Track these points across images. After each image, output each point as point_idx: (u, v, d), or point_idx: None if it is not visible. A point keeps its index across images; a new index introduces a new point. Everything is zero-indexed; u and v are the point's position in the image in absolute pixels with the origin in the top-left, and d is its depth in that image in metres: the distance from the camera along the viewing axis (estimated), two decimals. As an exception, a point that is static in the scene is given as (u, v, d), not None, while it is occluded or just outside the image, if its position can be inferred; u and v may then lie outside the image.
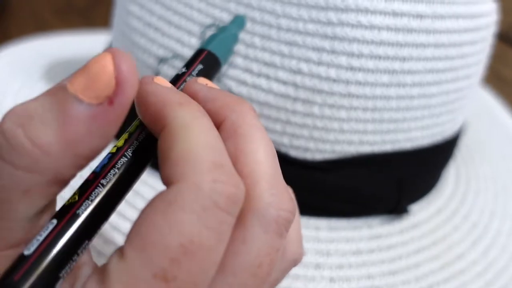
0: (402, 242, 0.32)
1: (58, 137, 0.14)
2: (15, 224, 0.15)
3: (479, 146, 0.42)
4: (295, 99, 0.28)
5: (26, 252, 0.14)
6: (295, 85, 0.28)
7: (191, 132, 0.16)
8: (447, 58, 0.29)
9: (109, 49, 0.15)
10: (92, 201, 0.16)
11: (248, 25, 0.28)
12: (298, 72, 0.27)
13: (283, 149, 0.29)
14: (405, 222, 0.33)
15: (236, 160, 0.17)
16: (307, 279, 0.28)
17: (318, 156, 0.29)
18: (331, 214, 0.31)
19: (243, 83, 0.28)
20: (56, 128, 0.14)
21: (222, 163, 0.15)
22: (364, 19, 0.27)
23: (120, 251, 0.15)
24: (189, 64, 0.21)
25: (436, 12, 0.28)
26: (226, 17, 0.28)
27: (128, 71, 0.14)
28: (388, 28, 0.27)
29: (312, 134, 0.29)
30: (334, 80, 0.27)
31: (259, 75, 0.28)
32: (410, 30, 0.27)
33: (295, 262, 0.20)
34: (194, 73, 0.21)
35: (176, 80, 0.20)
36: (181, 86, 0.20)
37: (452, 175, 0.38)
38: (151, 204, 0.15)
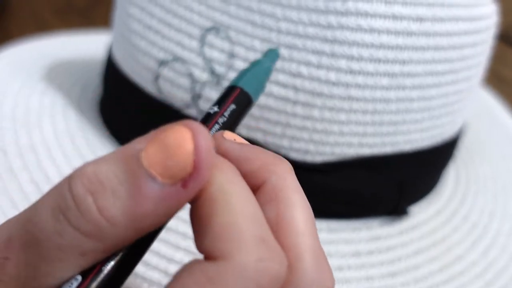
0: (402, 243, 0.32)
1: (126, 212, 0.14)
2: (54, 281, 0.15)
3: (479, 146, 0.42)
4: (295, 102, 0.28)
5: None
6: (295, 88, 0.28)
7: (232, 201, 0.15)
8: (447, 61, 0.29)
9: (187, 123, 0.14)
10: (115, 255, 0.15)
11: (249, 28, 0.28)
12: (298, 75, 0.27)
13: (283, 152, 0.29)
14: (404, 223, 0.33)
15: (277, 227, 0.16)
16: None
17: (318, 159, 0.30)
18: (331, 215, 0.31)
19: (243, 86, 0.28)
20: (126, 203, 0.14)
21: (265, 238, 0.15)
22: (364, 22, 0.27)
23: None
24: (220, 102, 0.20)
25: (436, 15, 0.28)
26: (226, 20, 0.28)
27: (207, 152, 0.14)
28: (388, 31, 0.27)
29: (312, 136, 0.29)
30: (334, 83, 0.27)
31: None
32: (410, 33, 0.27)
33: None
34: (226, 113, 0.20)
35: (207, 120, 0.19)
36: (213, 129, 0.19)
37: (452, 176, 0.38)
38: (190, 273, 0.14)
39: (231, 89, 0.21)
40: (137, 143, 0.15)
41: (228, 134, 0.18)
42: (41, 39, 0.48)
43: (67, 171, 0.31)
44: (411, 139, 0.31)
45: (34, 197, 0.29)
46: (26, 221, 0.15)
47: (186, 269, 0.14)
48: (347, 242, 0.31)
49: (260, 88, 0.23)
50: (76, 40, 0.50)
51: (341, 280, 0.29)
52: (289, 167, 0.17)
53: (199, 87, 0.29)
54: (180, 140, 0.14)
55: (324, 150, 0.29)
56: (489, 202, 0.36)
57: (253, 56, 0.28)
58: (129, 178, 0.14)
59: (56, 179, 0.30)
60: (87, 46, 0.48)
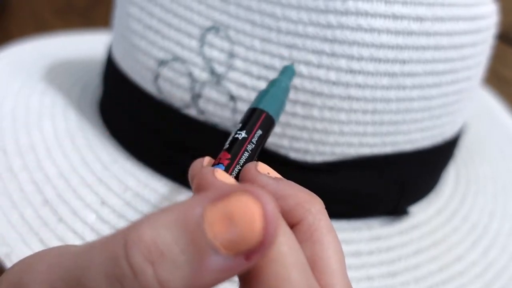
0: (402, 243, 0.32)
1: (186, 285, 0.13)
2: None
3: (479, 146, 0.42)
4: (295, 102, 0.28)
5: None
6: (295, 88, 0.28)
7: (281, 249, 0.15)
8: (447, 60, 0.29)
9: (254, 192, 0.13)
10: None
11: (248, 28, 0.28)
12: (298, 74, 0.27)
13: (283, 151, 0.29)
14: (404, 223, 0.33)
15: (313, 266, 0.16)
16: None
17: (318, 158, 0.29)
18: (331, 215, 0.31)
19: (243, 85, 0.28)
20: (187, 275, 0.13)
21: (312, 285, 0.15)
22: (364, 22, 0.27)
23: None
24: (247, 126, 0.20)
25: (436, 15, 0.28)
26: (226, 20, 0.28)
27: (275, 226, 0.13)
28: (388, 31, 0.27)
29: (312, 136, 0.29)
30: (334, 83, 0.27)
31: (259, 77, 0.28)
32: (410, 33, 0.27)
33: None
34: (254, 140, 0.20)
35: (234, 145, 0.19)
36: (243, 157, 0.19)
37: (452, 175, 0.38)
38: None
39: (255, 111, 0.21)
40: (197, 205, 0.14)
41: (261, 167, 0.18)
42: (41, 39, 0.48)
43: (67, 170, 0.31)
44: (411, 139, 0.31)
45: (33, 197, 0.29)
46: (74, 279, 0.14)
47: None
48: (347, 242, 0.31)
49: (281, 108, 0.23)
50: (76, 40, 0.50)
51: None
52: (322, 206, 0.18)
53: (198, 86, 0.29)
54: (249, 215, 0.13)
55: (324, 150, 0.29)
56: (489, 202, 0.36)
57: (253, 55, 0.28)
58: (192, 249, 0.13)
59: (55, 179, 0.30)
60: (87, 46, 0.48)
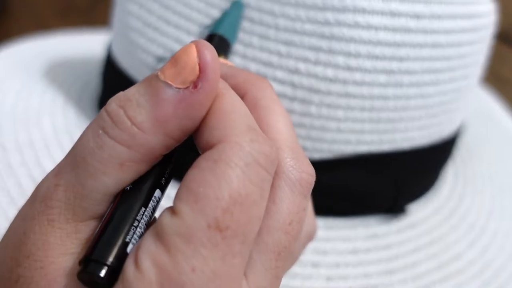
0: (399, 241, 0.32)
1: (150, 117, 0.16)
2: (101, 196, 0.17)
3: (477, 146, 0.42)
4: (293, 99, 0.28)
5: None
6: (293, 85, 0.28)
7: (225, 100, 0.17)
8: (444, 58, 0.29)
9: (194, 41, 0.17)
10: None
11: (247, 25, 0.28)
12: (296, 71, 0.27)
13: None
14: (402, 221, 0.33)
15: (259, 127, 0.18)
16: (304, 277, 0.28)
17: (316, 156, 0.30)
18: (328, 213, 0.31)
19: (241, 82, 0.28)
20: (149, 109, 0.16)
21: (255, 127, 0.17)
22: (361, 19, 0.27)
23: (171, 209, 0.16)
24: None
25: (433, 12, 0.28)
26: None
27: (210, 58, 0.16)
28: (386, 28, 0.27)
29: (309, 133, 0.29)
30: (332, 80, 0.27)
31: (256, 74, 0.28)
32: (407, 30, 0.27)
33: (310, 234, 0.22)
34: None
35: None
36: None
37: (450, 175, 0.38)
38: (196, 165, 0.16)
39: (210, 36, 0.24)
40: (157, 70, 0.17)
41: (221, 60, 0.21)
42: (41, 38, 0.48)
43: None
44: (409, 137, 0.31)
45: (31, 192, 0.29)
46: (72, 149, 0.17)
47: (193, 165, 0.16)
48: (345, 240, 0.31)
49: (235, 32, 0.26)
50: (76, 39, 0.51)
51: (338, 277, 0.29)
52: (269, 83, 0.20)
53: (197, 83, 0.29)
54: (187, 51, 0.16)
55: (321, 147, 0.29)
56: (486, 202, 0.36)
57: (251, 52, 0.28)
58: (149, 89, 0.17)
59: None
60: (87, 45, 0.48)
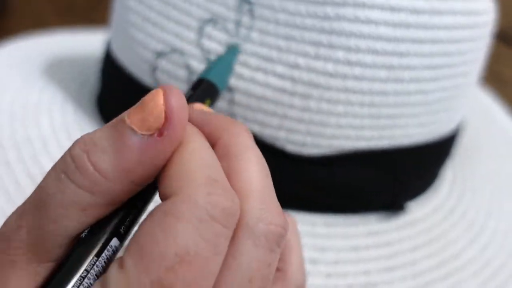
0: (399, 239, 0.31)
1: (114, 164, 0.16)
2: (62, 239, 0.16)
3: (477, 145, 0.42)
4: (292, 94, 0.28)
5: None
6: (293, 80, 0.28)
7: (186, 149, 0.17)
8: (444, 55, 0.29)
9: (162, 86, 0.16)
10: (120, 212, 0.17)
11: (247, 20, 0.28)
12: (296, 66, 0.27)
13: (280, 144, 0.29)
14: (401, 219, 0.33)
15: (228, 178, 0.17)
16: (303, 274, 0.28)
17: (315, 151, 0.29)
18: (327, 210, 0.31)
19: (241, 77, 0.28)
20: (112, 156, 0.16)
21: (217, 179, 0.16)
22: (361, 13, 0.27)
23: (120, 261, 0.15)
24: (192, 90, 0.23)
25: (434, 8, 0.28)
26: (224, 12, 0.28)
27: (176, 106, 0.16)
28: (386, 23, 0.27)
29: (309, 129, 0.29)
30: (331, 75, 0.27)
31: (256, 69, 0.28)
32: (407, 26, 0.27)
33: None
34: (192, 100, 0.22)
35: None
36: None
37: (450, 174, 0.38)
38: (150, 216, 0.16)
39: (199, 81, 0.24)
40: (124, 113, 0.16)
41: (196, 105, 0.21)
42: (41, 36, 0.48)
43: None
44: (408, 133, 0.31)
45: (29, 190, 0.29)
46: (36, 190, 0.17)
47: (148, 214, 0.16)
48: (344, 237, 0.30)
49: (226, 79, 0.26)
50: (76, 38, 0.51)
51: (338, 274, 0.29)
52: (244, 128, 0.19)
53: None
54: (154, 97, 0.16)
55: (321, 142, 0.29)
56: (486, 200, 0.36)
57: (251, 47, 0.28)
58: (115, 134, 0.16)
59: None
60: (87, 43, 0.48)
